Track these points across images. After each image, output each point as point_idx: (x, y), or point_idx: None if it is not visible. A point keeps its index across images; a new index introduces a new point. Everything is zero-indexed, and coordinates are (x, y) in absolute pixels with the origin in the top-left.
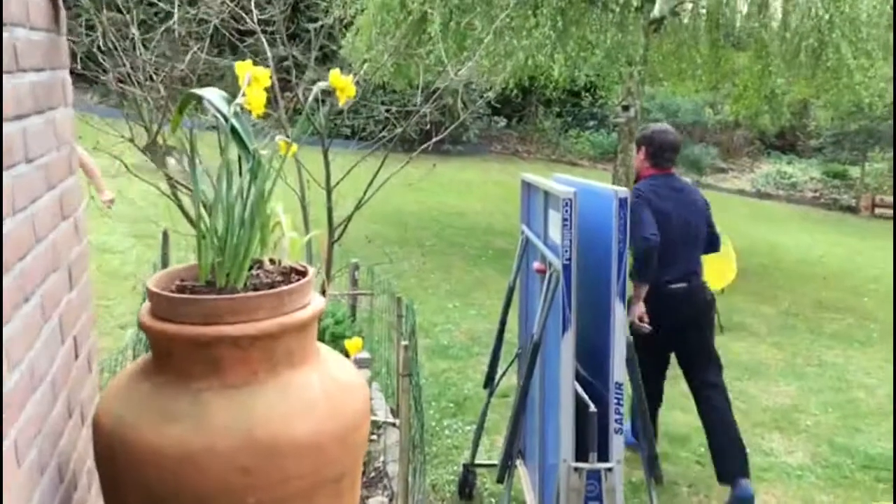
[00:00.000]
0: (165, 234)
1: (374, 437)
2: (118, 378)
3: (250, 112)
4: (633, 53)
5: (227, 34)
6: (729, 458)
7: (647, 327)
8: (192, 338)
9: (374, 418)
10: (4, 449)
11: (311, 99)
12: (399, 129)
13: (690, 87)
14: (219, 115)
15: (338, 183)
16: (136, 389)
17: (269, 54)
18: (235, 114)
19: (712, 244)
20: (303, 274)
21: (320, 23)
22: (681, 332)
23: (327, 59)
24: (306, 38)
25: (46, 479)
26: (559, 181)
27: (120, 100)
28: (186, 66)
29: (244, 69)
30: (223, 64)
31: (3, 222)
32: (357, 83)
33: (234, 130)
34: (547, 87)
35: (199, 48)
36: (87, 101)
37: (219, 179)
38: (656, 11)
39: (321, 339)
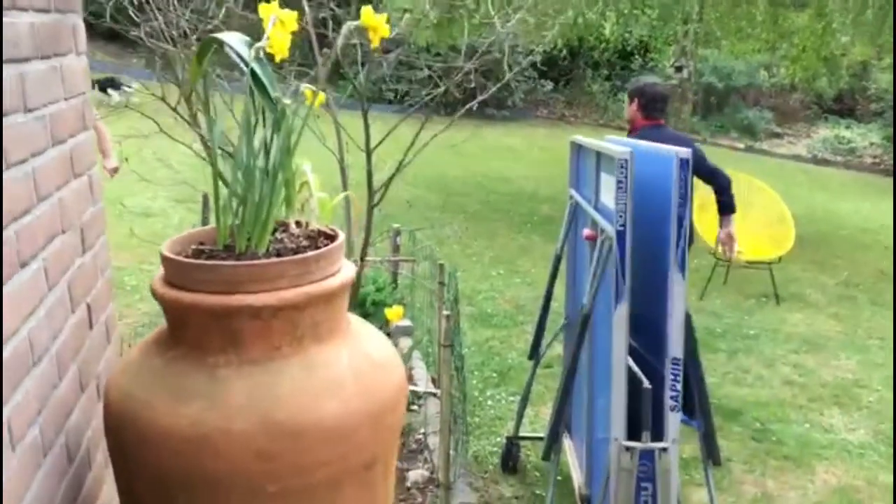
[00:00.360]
0: (206, 198)
1: (415, 407)
2: (132, 350)
3: (273, 58)
4: (690, 10)
5: None
6: None
7: None
8: (208, 308)
9: (414, 388)
10: None
11: (340, 40)
12: (441, 89)
13: (749, 46)
14: (239, 60)
15: (378, 144)
16: (148, 363)
17: (305, 8)
18: (258, 59)
19: (713, 183)
20: (332, 238)
21: None
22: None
23: None
24: None
25: (50, 461)
26: (613, 143)
27: (152, 58)
28: (221, 21)
29: (269, 11)
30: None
31: None
32: (399, 43)
33: (255, 76)
34: (596, 49)
35: (234, 2)
36: (133, 66)
37: (241, 132)
38: None
39: (362, 306)
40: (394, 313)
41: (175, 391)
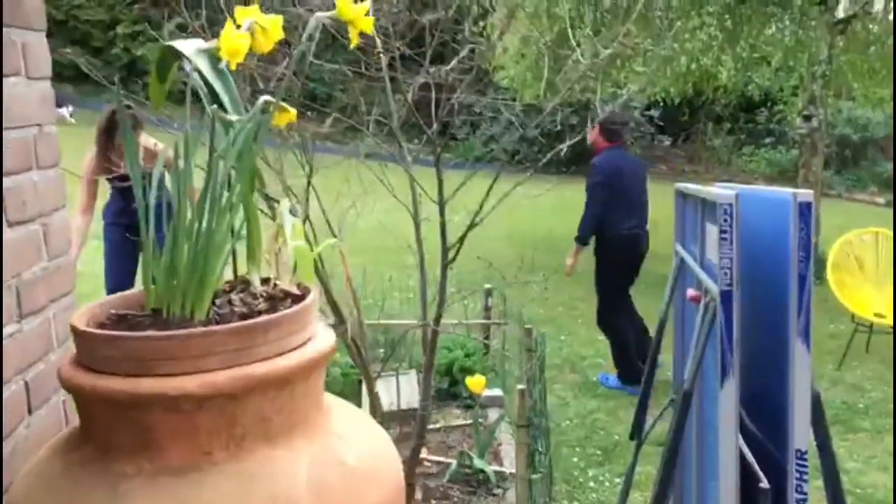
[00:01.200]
0: None
1: (498, 491)
2: (40, 451)
3: (227, 63)
4: (817, 52)
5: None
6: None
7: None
8: (109, 396)
9: (497, 468)
10: None
11: (305, 36)
12: (516, 134)
13: (886, 92)
14: (188, 66)
15: (451, 196)
16: (49, 468)
17: (380, 53)
18: (218, 69)
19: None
20: (299, 300)
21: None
22: (637, 263)
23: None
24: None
25: None
26: (721, 188)
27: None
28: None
29: (246, 14)
30: (330, 71)
31: None
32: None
33: (206, 83)
34: (716, 101)
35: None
36: None
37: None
38: (841, 11)
39: (448, 373)
40: (475, 383)
41: None
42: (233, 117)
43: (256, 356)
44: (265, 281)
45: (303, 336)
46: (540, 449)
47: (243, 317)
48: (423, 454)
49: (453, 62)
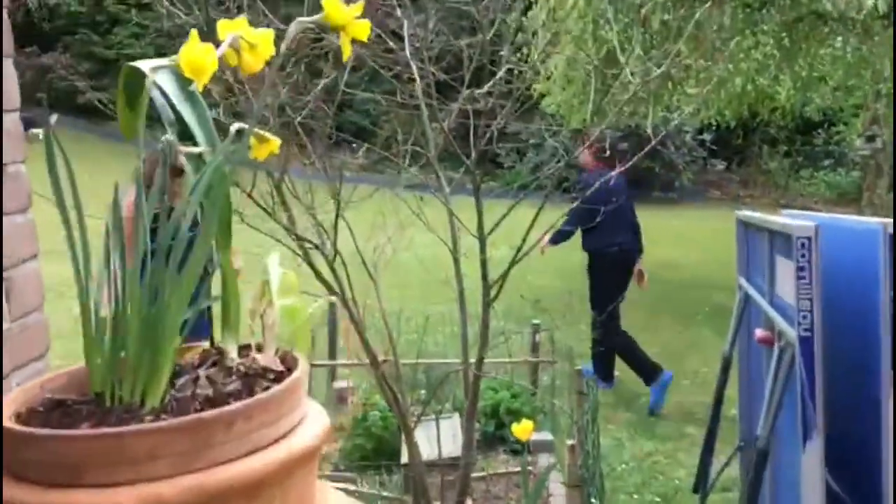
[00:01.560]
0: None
1: None
2: None
3: (193, 82)
4: (881, 69)
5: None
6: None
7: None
8: None
9: None
10: None
11: (288, 39)
12: (560, 163)
13: None
14: (159, 93)
15: (492, 230)
16: None
17: (416, 76)
18: (189, 92)
19: (636, 225)
20: (278, 379)
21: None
22: (627, 278)
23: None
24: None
25: None
26: (791, 217)
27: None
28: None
29: (229, 28)
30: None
31: None
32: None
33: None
34: (771, 122)
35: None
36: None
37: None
38: None
39: (495, 415)
40: (522, 430)
41: None
42: (201, 149)
43: (218, 457)
44: (245, 349)
45: (285, 425)
46: (594, 502)
47: (208, 401)
48: None
49: (489, 84)
